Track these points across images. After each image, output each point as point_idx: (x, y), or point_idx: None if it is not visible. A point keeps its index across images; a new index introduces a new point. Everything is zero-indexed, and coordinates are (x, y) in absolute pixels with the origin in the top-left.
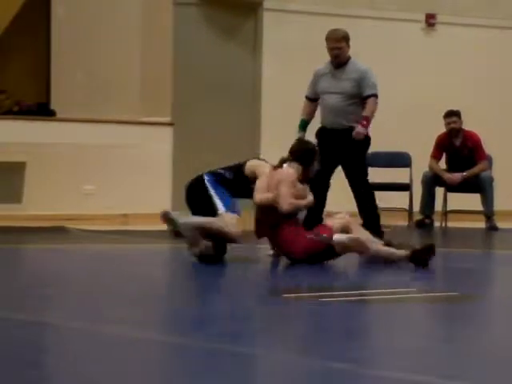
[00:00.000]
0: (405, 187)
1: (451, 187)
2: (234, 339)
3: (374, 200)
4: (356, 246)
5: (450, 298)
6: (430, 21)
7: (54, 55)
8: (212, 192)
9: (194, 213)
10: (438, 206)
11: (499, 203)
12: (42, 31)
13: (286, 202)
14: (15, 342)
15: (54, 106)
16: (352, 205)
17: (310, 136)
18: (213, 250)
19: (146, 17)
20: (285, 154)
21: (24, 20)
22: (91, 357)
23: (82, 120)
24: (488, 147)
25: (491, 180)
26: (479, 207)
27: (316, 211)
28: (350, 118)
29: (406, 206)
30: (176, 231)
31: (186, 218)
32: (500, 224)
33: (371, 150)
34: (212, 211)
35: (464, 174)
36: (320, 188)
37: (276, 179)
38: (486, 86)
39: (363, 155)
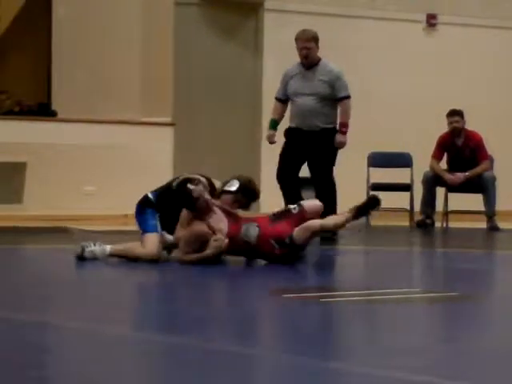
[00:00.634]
0: (406, 187)
1: (452, 187)
2: (234, 339)
3: (335, 196)
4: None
5: (450, 298)
6: (431, 21)
7: (55, 55)
8: (137, 216)
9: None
10: (439, 206)
11: (500, 203)
12: (43, 31)
13: (180, 257)
14: (15, 342)
15: (54, 106)
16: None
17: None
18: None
19: (146, 17)
20: None
21: (25, 20)
22: (91, 357)
23: (82, 120)
24: (489, 147)
25: (494, 180)
26: (480, 207)
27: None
28: (323, 119)
29: (407, 207)
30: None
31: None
32: (501, 224)
33: (372, 150)
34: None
35: (467, 174)
36: (291, 185)
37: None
38: (487, 86)
39: (334, 156)
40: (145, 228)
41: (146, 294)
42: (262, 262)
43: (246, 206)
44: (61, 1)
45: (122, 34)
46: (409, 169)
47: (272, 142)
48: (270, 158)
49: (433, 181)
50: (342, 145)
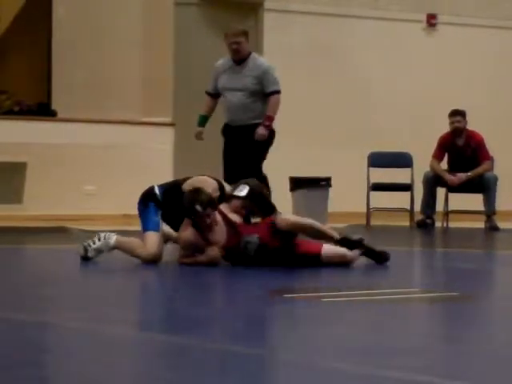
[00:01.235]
0: (406, 187)
1: (452, 187)
2: (234, 339)
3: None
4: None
5: (450, 298)
6: (431, 21)
7: (55, 55)
8: (140, 208)
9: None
10: (440, 206)
11: (500, 203)
12: (43, 31)
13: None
14: (15, 342)
15: (54, 106)
16: (350, 204)
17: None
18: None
19: (146, 17)
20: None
21: (25, 20)
22: (91, 357)
23: (82, 120)
24: (489, 147)
25: (496, 180)
26: (480, 207)
27: None
28: (253, 114)
29: (407, 207)
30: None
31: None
32: (501, 224)
33: (372, 150)
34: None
35: (468, 174)
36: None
37: None
38: (487, 86)
39: (264, 152)
40: (146, 226)
41: (145, 293)
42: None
43: (254, 213)
44: (61, 1)
45: (122, 33)
46: (409, 169)
47: (199, 139)
48: (269, 157)
49: (433, 181)
50: (261, 137)
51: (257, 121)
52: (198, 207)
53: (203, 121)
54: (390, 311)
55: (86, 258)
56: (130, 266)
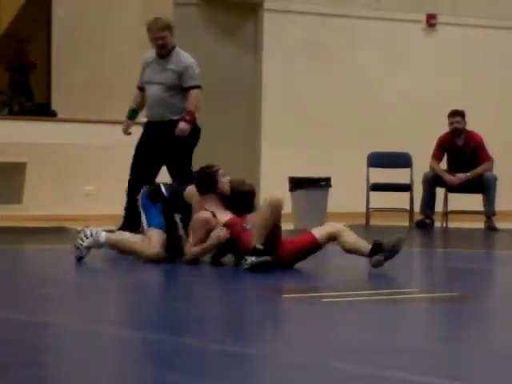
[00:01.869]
0: (405, 188)
1: (452, 188)
2: (233, 339)
3: None
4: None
5: (450, 298)
6: (431, 21)
7: (55, 56)
8: (143, 204)
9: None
10: (439, 206)
11: (500, 203)
12: (43, 32)
13: (189, 255)
14: (15, 342)
15: (54, 106)
16: (350, 204)
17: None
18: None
19: (146, 17)
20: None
21: (24, 20)
22: (91, 357)
23: (82, 120)
24: (488, 147)
25: (495, 180)
26: (480, 207)
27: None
28: (172, 110)
29: (407, 207)
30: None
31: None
32: (501, 224)
33: (372, 150)
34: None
35: (468, 174)
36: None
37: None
38: (487, 86)
39: (189, 151)
40: (151, 222)
41: (145, 293)
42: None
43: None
44: (61, 1)
45: (122, 33)
46: (408, 169)
47: (128, 134)
48: (269, 157)
49: (433, 181)
50: (181, 132)
51: (177, 117)
52: (211, 169)
53: (132, 114)
54: (389, 311)
55: (80, 259)
56: (129, 266)
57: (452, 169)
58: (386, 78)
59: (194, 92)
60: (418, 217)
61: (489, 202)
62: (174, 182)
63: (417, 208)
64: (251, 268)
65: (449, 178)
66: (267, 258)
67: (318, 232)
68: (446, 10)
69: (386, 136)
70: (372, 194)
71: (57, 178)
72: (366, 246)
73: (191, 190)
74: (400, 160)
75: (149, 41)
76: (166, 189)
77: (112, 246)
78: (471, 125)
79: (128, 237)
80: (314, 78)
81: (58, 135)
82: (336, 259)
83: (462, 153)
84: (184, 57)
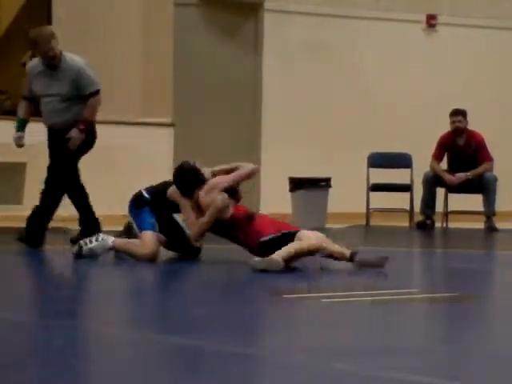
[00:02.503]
0: (406, 188)
1: (452, 188)
2: (233, 340)
3: (86, 198)
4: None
5: (450, 299)
6: (431, 21)
7: None
8: (132, 214)
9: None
10: (439, 206)
11: (500, 204)
12: None
13: (193, 233)
14: (14, 342)
15: None
16: (350, 205)
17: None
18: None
19: (146, 17)
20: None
21: (24, 20)
22: (91, 357)
23: None
24: (489, 147)
25: (495, 180)
26: (480, 208)
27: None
28: (70, 117)
29: (407, 207)
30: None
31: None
32: (501, 225)
33: (372, 150)
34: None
35: (468, 174)
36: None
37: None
38: (487, 87)
39: (78, 153)
40: (142, 226)
41: (144, 293)
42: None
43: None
44: (61, 1)
45: (122, 34)
46: (409, 169)
47: (20, 146)
48: (269, 157)
49: (433, 181)
50: (73, 140)
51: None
52: (191, 164)
53: (22, 125)
54: (389, 312)
55: (78, 256)
56: (128, 266)
57: (452, 169)
58: (385, 78)
59: (93, 100)
60: (418, 217)
61: (489, 202)
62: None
63: (417, 208)
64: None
65: (448, 177)
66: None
67: (302, 241)
68: (446, 11)
69: (386, 136)
70: (372, 194)
71: None
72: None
73: (174, 191)
74: (400, 160)
75: (37, 54)
76: (147, 192)
77: (117, 250)
78: (471, 125)
79: (129, 240)
80: (314, 78)
81: None
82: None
83: (463, 152)
84: (74, 63)
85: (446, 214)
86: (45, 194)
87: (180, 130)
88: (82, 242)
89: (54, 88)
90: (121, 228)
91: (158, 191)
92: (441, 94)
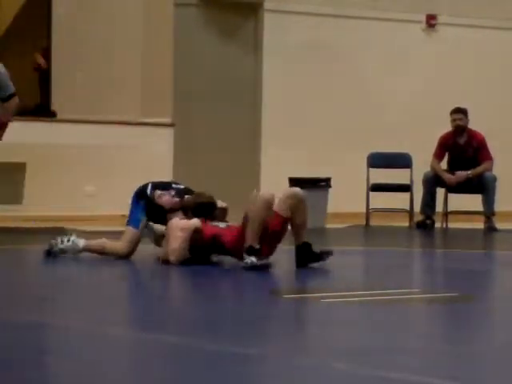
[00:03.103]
0: (406, 188)
1: (452, 188)
2: (233, 340)
3: None
4: None
5: (450, 299)
6: (431, 21)
7: (55, 56)
8: (131, 204)
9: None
10: (439, 206)
11: (500, 204)
12: (43, 32)
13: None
14: (16, 343)
15: (54, 106)
16: (350, 205)
17: None
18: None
19: (146, 17)
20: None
21: (24, 20)
22: (92, 357)
23: (82, 121)
24: (489, 147)
25: (495, 180)
26: (480, 208)
27: None
28: None
29: (407, 207)
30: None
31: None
32: (501, 225)
33: (372, 150)
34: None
35: (468, 172)
36: None
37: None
38: (487, 87)
39: None
40: (129, 221)
41: (145, 294)
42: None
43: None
44: (61, 1)
45: (122, 34)
46: (409, 169)
47: None
48: (269, 157)
49: (433, 181)
50: None
51: None
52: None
53: None
54: (389, 312)
55: (48, 254)
56: (130, 267)
57: (453, 168)
58: (385, 78)
59: (12, 101)
60: (418, 217)
61: (488, 202)
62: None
63: (417, 208)
64: (251, 268)
65: (448, 176)
66: (268, 261)
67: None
68: (446, 11)
69: (386, 136)
70: (372, 194)
71: (56, 179)
72: None
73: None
74: (400, 160)
75: None
76: (151, 187)
77: (91, 250)
78: (471, 125)
79: (101, 241)
80: (314, 78)
81: (57, 135)
82: (336, 259)
83: (463, 152)
84: None
85: (446, 214)
86: None
87: (180, 130)
88: (53, 241)
89: None
90: (120, 228)
91: (163, 186)
92: (441, 94)
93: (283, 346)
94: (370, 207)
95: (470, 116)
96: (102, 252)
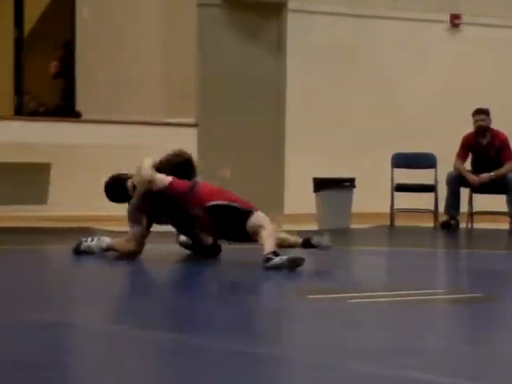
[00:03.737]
0: (430, 188)
1: (476, 188)
2: (258, 340)
3: None
4: None
5: (474, 299)
6: (455, 21)
7: (79, 56)
8: None
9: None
10: (464, 207)
11: None
12: (67, 32)
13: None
14: (39, 342)
15: (78, 107)
16: (374, 205)
17: None
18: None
19: (169, 18)
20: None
21: (49, 21)
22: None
23: (106, 121)
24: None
25: None
26: (506, 208)
27: None
28: None
29: (432, 207)
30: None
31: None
32: None
33: (396, 150)
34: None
35: (491, 174)
36: None
37: None
38: (511, 86)
39: None
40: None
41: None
42: None
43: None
44: (85, 2)
45: (146, 34)
46: (433, 169)
47: None
48: (293, 158)
49: (457, 181)
50: None
51: None
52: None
53: None
54: (414, 312)
55: (76, 251)
56: (150, 266)
57: (476, 169)
58: (409, 78)
59: None
60: (442, 217)
61: None
62: None
63: (442, 209)
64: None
65: (472, 177)
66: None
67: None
68: (470, 10)
69: (410, 136)
70: (396, 194)
71: (81, 179)
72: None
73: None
74: (424, 160)
75: None
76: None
77: (112, 249)
78: (495, 124)
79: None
80: (338, 78)
81: (82, 136)
82: (361, 260)
83: (486, 152)
84: None
85: (471, 215)
86: None
87: (204, 131)
88: (83, 239)
89: None
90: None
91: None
92: (464, 94)
93: (303, 345)
94: (395, 207)
95: (494, 116)
96: (114, 249)
